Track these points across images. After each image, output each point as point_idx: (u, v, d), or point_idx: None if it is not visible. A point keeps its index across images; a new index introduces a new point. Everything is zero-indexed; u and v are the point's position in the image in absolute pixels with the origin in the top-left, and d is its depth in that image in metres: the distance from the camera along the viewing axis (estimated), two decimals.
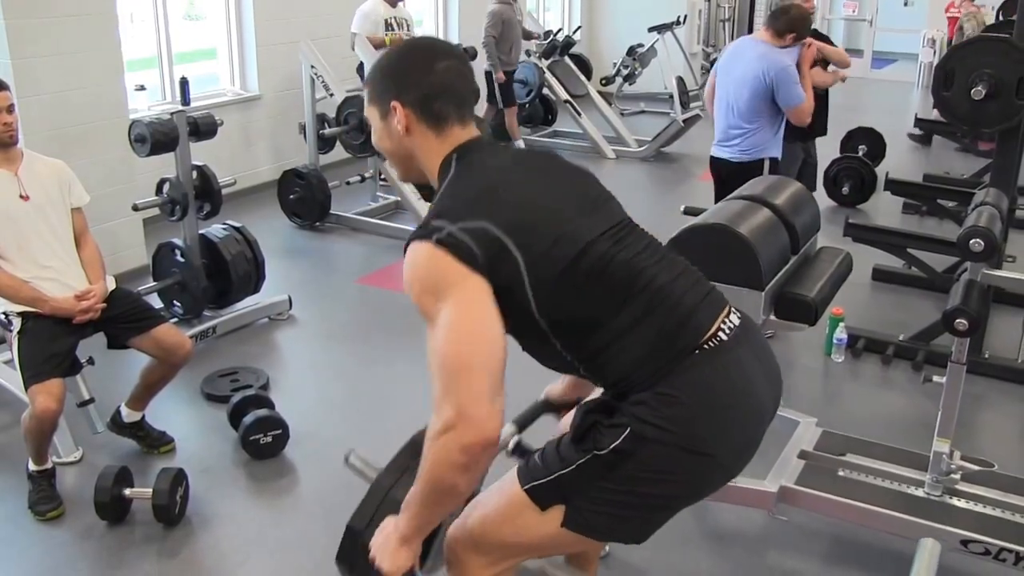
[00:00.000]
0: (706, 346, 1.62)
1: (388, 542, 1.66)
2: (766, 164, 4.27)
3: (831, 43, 5.28)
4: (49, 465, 3.01)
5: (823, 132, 5.13)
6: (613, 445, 1.56)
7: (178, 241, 4.28)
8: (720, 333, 1.65)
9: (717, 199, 4.43)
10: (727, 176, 4.29)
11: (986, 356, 4.02)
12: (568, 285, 1.58)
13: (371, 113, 1.74)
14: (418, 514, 1.61)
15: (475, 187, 1.63)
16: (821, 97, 4.97)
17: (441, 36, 9.28)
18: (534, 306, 1.57)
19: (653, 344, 1.59)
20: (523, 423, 2.15)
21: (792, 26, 4.21)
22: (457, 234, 1.52)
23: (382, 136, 1.74)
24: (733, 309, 1.74)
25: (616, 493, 1.59)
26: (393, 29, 6.68)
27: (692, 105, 8.25)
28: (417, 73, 1.67)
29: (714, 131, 4.44)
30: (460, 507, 1.78)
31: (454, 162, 1.67)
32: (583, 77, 9.28)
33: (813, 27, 5.29)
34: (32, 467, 2.98)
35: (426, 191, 6.15)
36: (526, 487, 1.67)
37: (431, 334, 1.51)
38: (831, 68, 5.14)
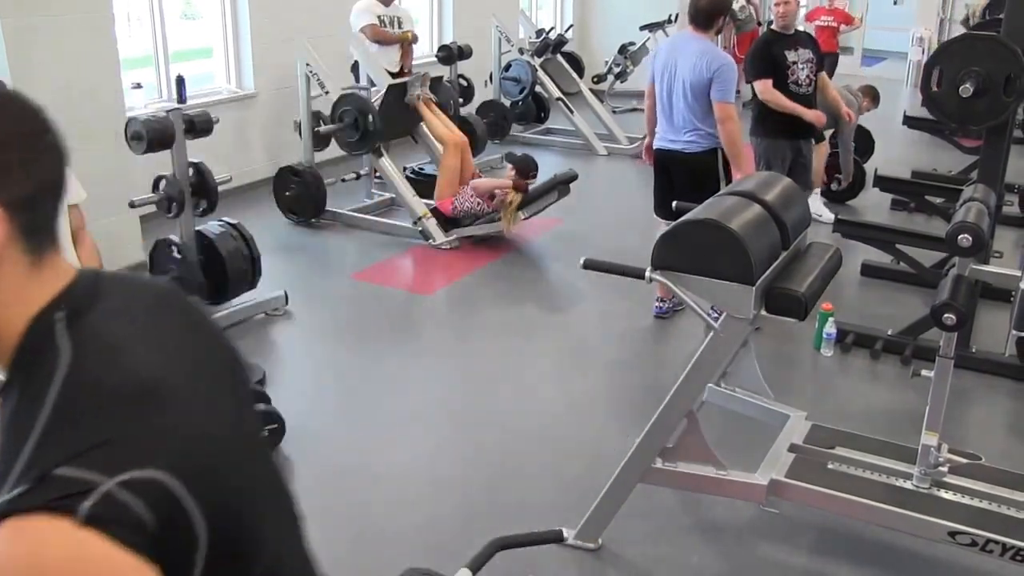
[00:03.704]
0: None
1: None
2: (719, 154, 4.22)
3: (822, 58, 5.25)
4: None
5: (813, 135, 5.12)
6: None
7: (175, 238, 4.29)
8: None
9: (660, 190, 4.42)
10: (676, 167, 4.28)
11: (973, 350, 4.07)
12: None
13: None
14: None
15: (121, 389, 0.86)
16: (807, 96, 4.99)
17: (436, 34, 9.26)
18: None
19: None
20: (476, 566, 2.14)
21: (711, 16, 4.16)
22: (116, 495, 0.77)
23: None
24: None
25: None
26: (386, 27, 6.67)
27: None
28: (23, 151, 0.88)
29: (657, 126, 4.37)
30: None
31: (59, 330, 0.88)
32: (575, 75, 9.31)
33: (801, 30, 5.32)
34: None
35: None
36: None
37: None
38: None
